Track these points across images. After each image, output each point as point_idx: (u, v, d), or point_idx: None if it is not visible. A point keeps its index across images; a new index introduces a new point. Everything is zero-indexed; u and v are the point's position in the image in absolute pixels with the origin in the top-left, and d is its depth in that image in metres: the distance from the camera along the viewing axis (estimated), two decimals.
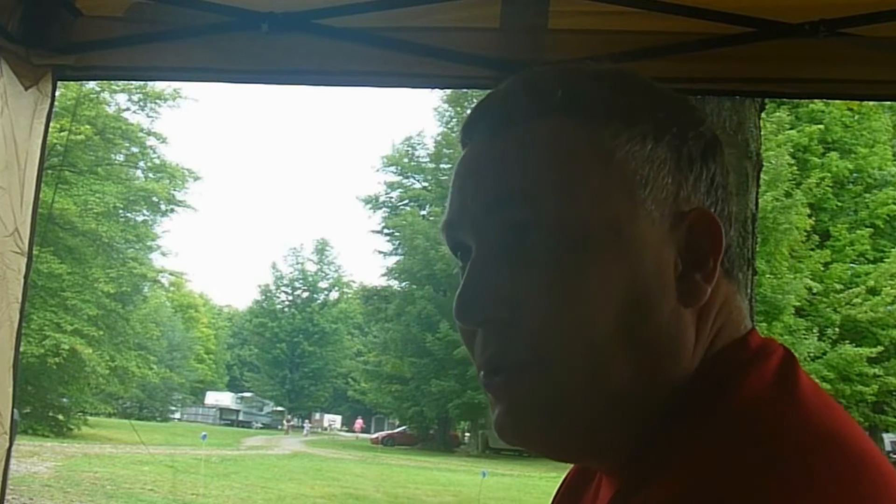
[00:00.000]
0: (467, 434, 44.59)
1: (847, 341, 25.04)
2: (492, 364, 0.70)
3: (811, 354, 24.08)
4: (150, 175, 30.86)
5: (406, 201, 43.24)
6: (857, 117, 28.24)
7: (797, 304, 24.40)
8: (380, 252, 43.90)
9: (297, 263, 63.88)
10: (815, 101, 22.66)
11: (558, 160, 0.69)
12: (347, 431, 62.91)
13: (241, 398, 62.87)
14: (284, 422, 53.84)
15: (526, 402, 0.69)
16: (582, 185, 0.69)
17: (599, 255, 0.67)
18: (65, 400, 30.15)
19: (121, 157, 30.10)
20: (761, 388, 0.66)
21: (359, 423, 58.98)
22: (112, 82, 25.48)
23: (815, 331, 24.96)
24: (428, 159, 42.81)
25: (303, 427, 53.94)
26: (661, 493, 0.60)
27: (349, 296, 62.69)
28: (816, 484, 0.57)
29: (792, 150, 24.87)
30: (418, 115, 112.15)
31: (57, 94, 2.61)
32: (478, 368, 0.72)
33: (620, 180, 0.69)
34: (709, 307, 0.71)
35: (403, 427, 47.10)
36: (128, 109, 29.55)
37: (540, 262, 0.68)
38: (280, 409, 61.33)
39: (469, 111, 0.77)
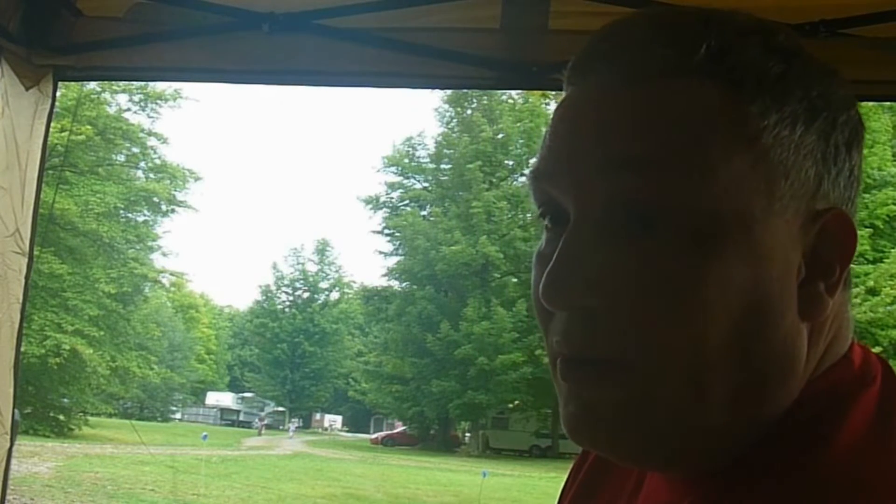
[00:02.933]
0: (468, 434, 44.56)
1: None
2: (575, 353, 0.60)
3: None
4: (151, 175, 30.87)
5: (407, 202, 43.21)
6: None
7: None
8: (380, 252, 43.83)
9: (298, 264, 63.86)
10: None
11: (696, 132, 0.58)
12: (348, 432, 62.88)
13: (242, 398, 62.84)
14: (257, 420, 51.97)
15: (609, 403, 0.60)
16: (720, 167, 0.57)
17: (724, 252, 0.57)
18: (66, 400, 30.15)
19: (122, 158, 30.10)
20: (861, 431, 0.58)
21: (399, 426, 51.09)
22: (113, 83, 25.42)
23: None
24: (428, 160, 42.79)
25: (287, 429, 51.61)
26: None
27: (350, 296, 62.63)
28: None
29: None
30: (419, 115, 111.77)
31: (58, 94, 2.62)
32: (552, 353, 0.63)
33: (763, 168, 0.58)
34: (824, 321, 0.62)
35: (404, 427, 47.09)
36: (129, 110, 29.58)
37: (655, 248, 0.57)
38: (281, 409, 61.35)
39: (587, 45, 0.65)
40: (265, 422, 50.37)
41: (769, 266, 0.58)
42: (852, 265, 0.62)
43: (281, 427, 55.89)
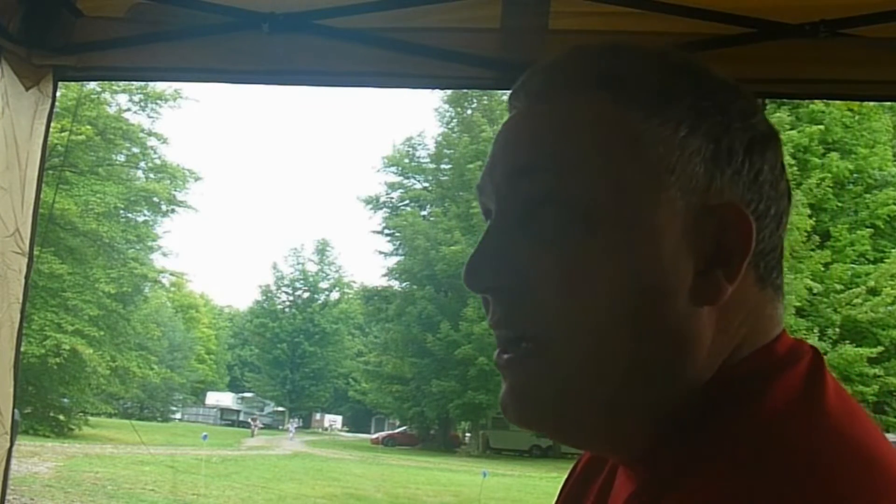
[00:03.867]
0: (468, 434, 44.55)
1: (847, 341, 25.06)
2: (498, 332, 0.70)
3: None
4: (151, 175, 30.88)
5: (407, 202, 43.21)
6: (857, 118, 28.26)
7: (798, 304, 24.40)
8: (380, 252, 43.85)
9: (298, 264, 63.87)
10: (815, 101, 22.67)
11: (583, 136, 0.68)
12: (348, 432, 62.90)
13: (242, 398, 62.85)
14: (250, 420, 50.49)
15: (528, 382, 0.68)
16: (602, 165, 0.67)
17: (611, 238, 0.65)
18: (66, 400, 30.16)
19: (122, 158, 30.11)
20: (787, 398, 0.64)
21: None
22: (113, 83, 25.45)
23: (815, 331, 24.97)
24: (428, 160, 42.78)
25: (287, 429, 50.04)
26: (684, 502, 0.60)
27: (350, 296, 62.64)
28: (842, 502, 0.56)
29: (792, 151, 24.90)
30: (419, 115, 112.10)
31: (58, 94, 2.62)
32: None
33: (644, 164, 0.66)
34: (732, 310, 0.67)
35: (404, 427, 47.08)
36: (129, 110, 29.57)
37: (550, 237, 0.67)
38: (281, 409, 61.34)
39: (519, 80, 0.75)
40: (258, 423, 49.34)
41: (659, 250, 0.65)
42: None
43: (280, 427, 55.77)
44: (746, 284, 0.68)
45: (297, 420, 57.31)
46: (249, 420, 51.64)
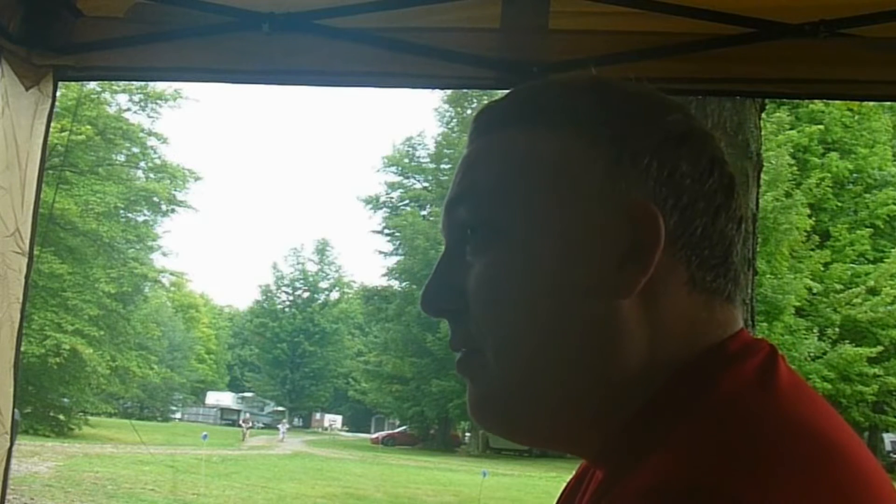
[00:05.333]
0: (468, 434, 44.58)
1: (847, 341, 25.06)
2: (453, 349, 0.77)
3: (811, 354, 24.08)
4: (151, 175, 30.89)
5: (406, 201, 43.25)
6: (857, 118, 28.26)
7: (797, 304, 24.40)
8: (380, 252, 43.93)
9: (298, 263, 63.88)
10: (815, 101, 22.65)
11: (493, 165, 0.75)
12: (348, 432, 62.88)
13: (242, 398, 62.88)
14: (241, 422, 48.54)
15: (476, 386, 0.74)
16: (509, 186, 0.74)
17: (522, 249, 0.72)
18: (66, 400, 30.18)
19: (122, 158, 30.13)
20: (739, 384, 0.67)
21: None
22: (113, 83, 25.47)
23: (815, 331, 24.97)
24: (428, 160, 42.83)
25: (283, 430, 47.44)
26: (637, 482, 0.62)
27: (350, 296, 62.69)
28: (786, 473, 0.59)
29: (792, 151, 24.89)
30: (419, 115, 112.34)
31: (58, 94, 2.61)
32: None
33: (546, 178, 0.73)
34: (660, 305, 0.70)
35: (404, 427, 47.08)
36: (129, 110, 29.60)
37: (475, 258, 0.74)
38: (281, 408, 61.33)
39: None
40: (249, 424, 47.74)
41: (566, 254, 0.71)
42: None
43: (280, 427, 55.76)
44: (675, 282, 0.71)
45: (288, 421, 56.76)
46: (241, 422, 49.75)
